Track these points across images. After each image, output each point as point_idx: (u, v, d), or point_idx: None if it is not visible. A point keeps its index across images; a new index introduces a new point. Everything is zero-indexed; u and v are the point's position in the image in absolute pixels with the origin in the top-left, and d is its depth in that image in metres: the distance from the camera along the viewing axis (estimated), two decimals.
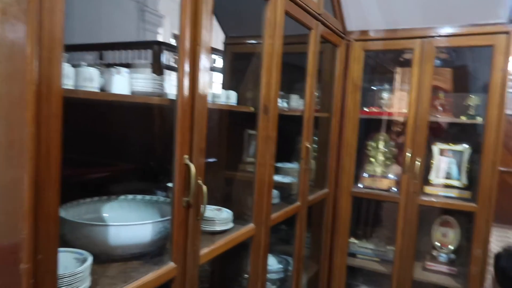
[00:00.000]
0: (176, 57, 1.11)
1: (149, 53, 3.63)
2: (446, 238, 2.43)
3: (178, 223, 1.13)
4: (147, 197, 1.43)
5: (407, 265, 2.35)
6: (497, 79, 2.11)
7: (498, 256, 1.87)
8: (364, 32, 2.44)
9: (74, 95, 0.94)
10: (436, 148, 2.43)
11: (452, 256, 2.41)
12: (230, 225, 1.55)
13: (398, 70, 2.89)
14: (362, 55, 2.46)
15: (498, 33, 2.09)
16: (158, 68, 3.40)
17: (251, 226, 1.58)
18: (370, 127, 2.71)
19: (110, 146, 1.60)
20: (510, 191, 5.88)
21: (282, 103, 2.07)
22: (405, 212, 2.34)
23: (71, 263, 1.02)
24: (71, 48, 0.88)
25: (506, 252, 1.85)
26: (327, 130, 2.46)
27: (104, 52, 3.74)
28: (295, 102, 2.20)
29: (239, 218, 1.64)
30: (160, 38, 5.29)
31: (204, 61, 1.15)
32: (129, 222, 1.15)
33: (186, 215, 1.15)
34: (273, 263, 2.16)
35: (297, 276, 2.09)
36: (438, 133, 2.49)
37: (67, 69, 0.93)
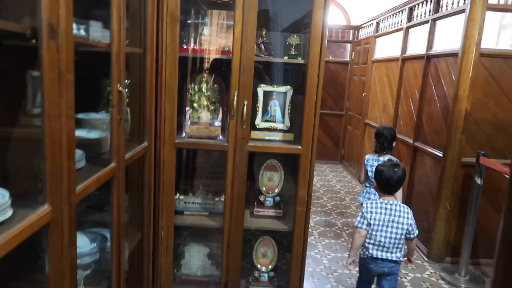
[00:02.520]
0: None
1: None
2: (271, 182, 2.40)
3: None
4: None
5: (238, 215, 2.22)
6: (318, 18, 2.03)
7: (378, 171, 2.23)
8: None
9: None
10: (261, 90, 2.30)
11: (278, 199, 2.41)
12: (8, 212, 1.00)
13: (208, 11, 2.61)
14: None
15: None
16: None
17: (45, 208, 1.07)
18: (190, 67, 2.37)
19: None
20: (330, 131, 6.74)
21: (78, 31, 1.50)
22: (233, 160, 2.17)
23: None
24: None
25: (383, 167, 2.21)
26: (141, 70, 2.01)
27: None
28: (98, 32, 1.65)
29: (23, 198, 1.10)
30: None
31: None
32: None
33: None
34: (83, 243, 1.67)
35: (118, 253, 1.68)
36: (261, 74, 2.35)
37: None
